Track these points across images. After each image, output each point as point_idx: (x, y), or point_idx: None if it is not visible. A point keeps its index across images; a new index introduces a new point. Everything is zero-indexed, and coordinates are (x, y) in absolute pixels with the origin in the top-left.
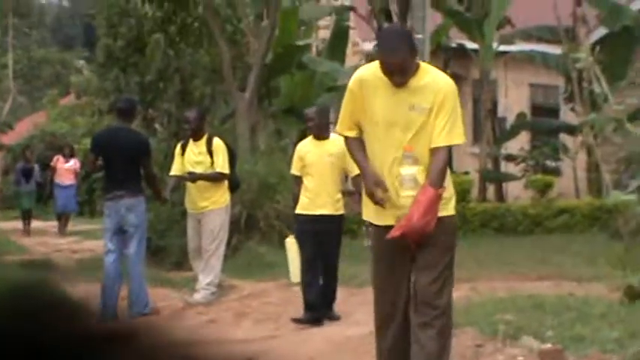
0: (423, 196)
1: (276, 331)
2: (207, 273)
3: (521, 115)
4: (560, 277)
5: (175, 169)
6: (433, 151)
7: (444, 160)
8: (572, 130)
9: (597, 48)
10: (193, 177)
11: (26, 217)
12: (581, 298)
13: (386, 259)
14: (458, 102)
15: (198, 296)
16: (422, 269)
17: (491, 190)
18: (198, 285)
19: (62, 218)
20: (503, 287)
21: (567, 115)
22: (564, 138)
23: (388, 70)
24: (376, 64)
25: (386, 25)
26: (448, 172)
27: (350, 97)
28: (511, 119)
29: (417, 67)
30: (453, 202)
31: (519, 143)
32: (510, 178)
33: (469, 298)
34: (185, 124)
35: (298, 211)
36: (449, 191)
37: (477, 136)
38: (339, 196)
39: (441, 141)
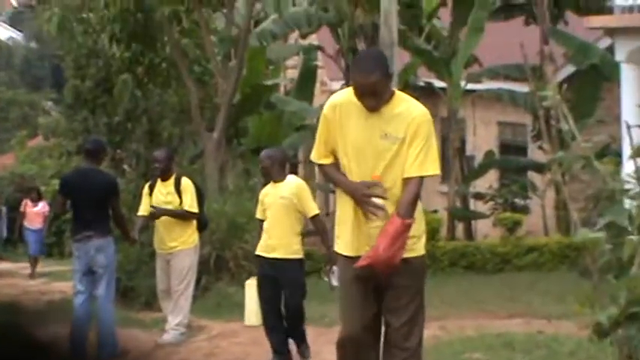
0: (391, 226)
1: None
2: (177, 314)
3: (489, 153)
4: (530, 314)
5: (143, 210)
6: (405, 182)
7: (414, 191)
8: (540, 168)
9: (564, 86)
10: (159, 212)
11: None
12: (551, 335)
13: (353, 289)
14: (433, 132)
15: (167, 337)
16: (392, 312)
17: (460, 228)
18: (168, 325)
19: (33, 260)
20: (472, 325)
21: (535, 153)
22: (532, 176)
23: (361, 93)
24: (350, 89)
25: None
26: (420, 208)
27: (324, 123)
28: (479, 157)
29: (392, 94)
30: (422, 241)
31: (488, 181)
32: (479, 216)
33: (438, 337)
34: (154, 163)
35: (257, 252)
36: (419, 229)
37: (445, 174)
38: (296, 239)
39: (413, 171)
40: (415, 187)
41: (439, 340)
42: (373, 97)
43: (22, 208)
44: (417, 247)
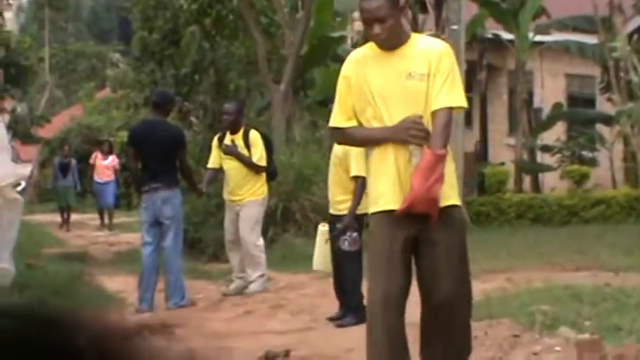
0: (422, 160)
1: (312, 323)
2: (255, 267)
3: (557, 106)
4: (597, 267)
5: (213, 162)
6: (433, 115)
7: (444, 122)
8: (608, 121)
9: (634, 37)
10: (231, 150)
11: (64, 211)
12: (618, 288)
13: (393, 246)
14: (455, 65)
15: (254, 286)
16: (435, 276)
17: (527, 180)
18: (250, 277)
19: (104, 213)
20: (539, 278)
21: (604, 106)
22: (601, 128)
23: (366, 22)
24: (366, 45)
25: (421, 16)
26: (450, 153)
27: (343, 83)
28: (547, 110)
29: (409, 36)
30: (455, 191)
31: (555, 134)
32: (546, 169)
33: (505, 289)
34: (224, 115)
35: None
36: (450, 177)
37: (512, 126)
38: (340, 197)
39: (439, 102)
40: (444, 118)
41: (506, 292)
42: (379, 25)
43: (92, 161)
44: (450, 194)
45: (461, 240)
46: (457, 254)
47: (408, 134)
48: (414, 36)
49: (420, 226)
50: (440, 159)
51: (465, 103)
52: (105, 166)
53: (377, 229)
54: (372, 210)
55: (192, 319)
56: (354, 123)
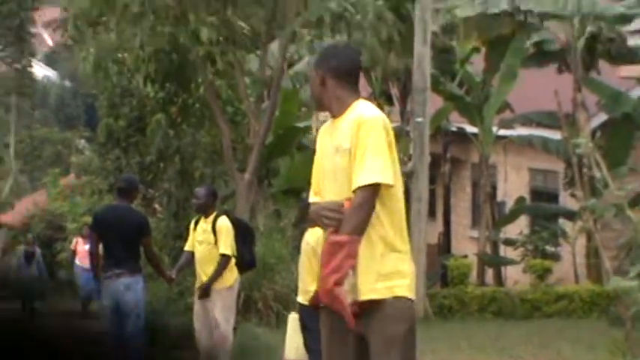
0: (324, 244)
1: None
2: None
3: (520, 200)
4: None
5: (189, 245)
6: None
7: (355, 204)
8: (571, 216)
9: (597, 134)
10: (206, 288)
11: (27, 303)
12: None
13: (331, 343)
14: (383, 136)
15: None
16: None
17: (490, 273)
18: None
19: (86, 304)
20: None
21: (567, 201)
22: (564, 223)
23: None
24: None
25: (386, 108)
26: (401, 245)
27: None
28: (510, 203)
29: (351, 104)
30: (398, 282)
31: (518, 227)
32: (509, 262)
33: None
34: (193, 199)
35: None
36: (386, 266)
37: (475, 219)
38: (313, 287)
39: (354, 182)
40: (355, 199)
41: None
42: (312, 98)
43: (72, 247)
44: (374, 287)
45: (393, 333)
46: (386, 347)
47: (322, 221)
48: (355, 104)
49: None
50: (337, 246)
51: (388, 179)
52: (87, 251)
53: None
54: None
55: None
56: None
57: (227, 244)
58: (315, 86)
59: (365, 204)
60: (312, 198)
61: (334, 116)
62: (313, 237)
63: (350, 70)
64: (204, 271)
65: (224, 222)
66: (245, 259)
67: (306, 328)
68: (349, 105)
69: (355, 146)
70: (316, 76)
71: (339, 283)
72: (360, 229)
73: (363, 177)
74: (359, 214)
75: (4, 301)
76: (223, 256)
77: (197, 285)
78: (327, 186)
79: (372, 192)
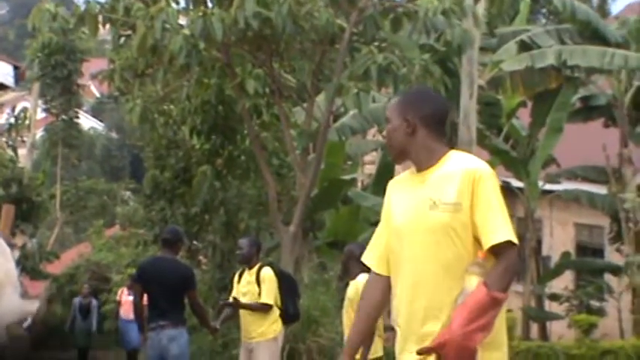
0: (473, 297)
1: None
2: None
3: (565, 254)
4: None
5: (232, 298)
6: (494, 250)
7: (512, 260)
8: (617, 271)
9: None
10: (236, 304)
11: (82, 355)
12: None
13: None
14: (499, 192)
15: None
16: None
17: (534, 328)
18: None
19: (132, 356)
20: None
21: (612, 256)
22: (609, 278)
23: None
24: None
25: None
26: (503, 314)
27: (384, 213)
28: (555, 258)
29: (442, 155)
30: (496, 355)
31: (563, 282)
32: (554, 317)
33: None
34: (237, 250)
35: None
36: (503, 334)
37: (520, 274)
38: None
39: (498, 236)
40: (510, 255)
41: None
42: (392, 152)
43: (117, 297)
44: (493, 355)
45: None
46: None
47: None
48: (447, 155)
49: None
50: (495, 303)
51: (515, 239)
52: (131, 302)
53: None
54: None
55: None
56: (377, 267)
57: (270, 294)
58: (400, 135)
59: (515, 264)
60: (370, 262)
61: (420, 169)
62: (352, 289)
63: (442, 118)
64: (248, 322)
65: (268, 272)
66: (289, 312)
67: None
68: (441, 156)
69: (474, 201)
70: (403, 123)
71: (479, 341)
72: (507, 289)
73: (503, 233)
74: (511, 272)
75: (61, 351)
76: (265, 305)
77: (242, 336)
78: (409, 242)
79: (516, 251)
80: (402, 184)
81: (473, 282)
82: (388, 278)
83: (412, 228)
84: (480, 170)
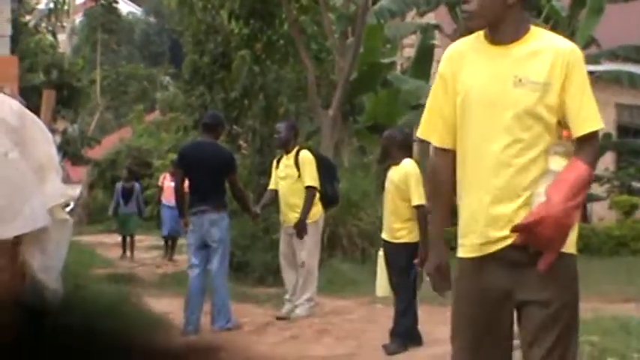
0: (572, 172)
1: (357, 349)
2: (304, 289)
3: (606, 136)
4: None
5: (272, 184)
6: (582, 140)
7: (598, 140)
8: None
9: None
10: (301, 225)
11: (126, 241)
12: None
13: (476, 308)
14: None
15: (300, 311)
16: (531, 334)
17: None
18: (298, 301)
19: (170, 241)
20: (587, 309)
21: None
22: None
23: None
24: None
25: None
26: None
27: (439, 84)
28: None
29: (527, 30)
30: (573, 237)
31: (604, 164)
32: (595, 198)
33: None
34: (275, 134)
35: None
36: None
37: None
38: (400, 224)
39: (589, 125)
40: (597, 138)
41: None
42: (480, 16)
43: (160, 183)
44: (572, 239)
45: (568, 300)
46: (559, 312)
47: (430, 277)
48: (533, 31)
49: (517, 278)
50: (591, 181)
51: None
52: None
53: (460, 282)
54: (458, 252)
55: (238, 342)
56: (443, 143)
57: (312, 176)
58: (498, 3)
59: (599, 146)
60: (430, 137)
61: (501, 42)
62: (397, 175)
63: None
64: (289, 206)
65: (306, 154)
66: (328, 195)
67: (390, 265)
68: (526, 31)
69: (566, 84)
70: None
71: (575, 221)
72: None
73: (596, 121)
74: (598, 154)
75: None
76: (308, 188)
77: (282, 221)
78: (487, 116)
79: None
80: (476, 54)
81: (559, 162)
82: (454, 152)
83: (489, 102)
84: (575, 52)
